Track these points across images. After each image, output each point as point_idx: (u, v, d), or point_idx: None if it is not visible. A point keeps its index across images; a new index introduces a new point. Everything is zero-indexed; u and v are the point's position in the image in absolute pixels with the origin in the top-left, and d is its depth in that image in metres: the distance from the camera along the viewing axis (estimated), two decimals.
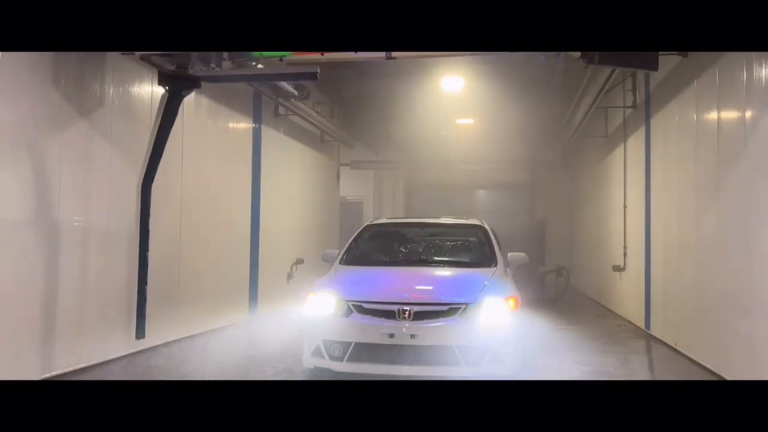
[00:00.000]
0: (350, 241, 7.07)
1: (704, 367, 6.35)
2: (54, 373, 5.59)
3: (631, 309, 9.99)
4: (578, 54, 5.68)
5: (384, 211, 18.15)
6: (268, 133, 10.29)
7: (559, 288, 13.52)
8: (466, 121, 14.60)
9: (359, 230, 7.28)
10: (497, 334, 5.44)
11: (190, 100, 7.81)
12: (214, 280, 8.61)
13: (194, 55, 5.68)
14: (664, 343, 7.82)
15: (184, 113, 7.67)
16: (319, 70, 6.06)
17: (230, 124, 9.23)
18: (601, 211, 12.81)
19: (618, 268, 10.74)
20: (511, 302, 5.64)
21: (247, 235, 9.70)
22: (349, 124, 14.02)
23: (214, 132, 8.72)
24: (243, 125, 9.61)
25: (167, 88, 6.00)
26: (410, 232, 7.10)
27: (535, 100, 12.23)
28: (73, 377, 5.66)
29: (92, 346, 6.10)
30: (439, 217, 7.71)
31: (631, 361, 7.27)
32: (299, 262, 11.44)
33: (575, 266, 15.58)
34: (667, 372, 6.77)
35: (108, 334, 6.32)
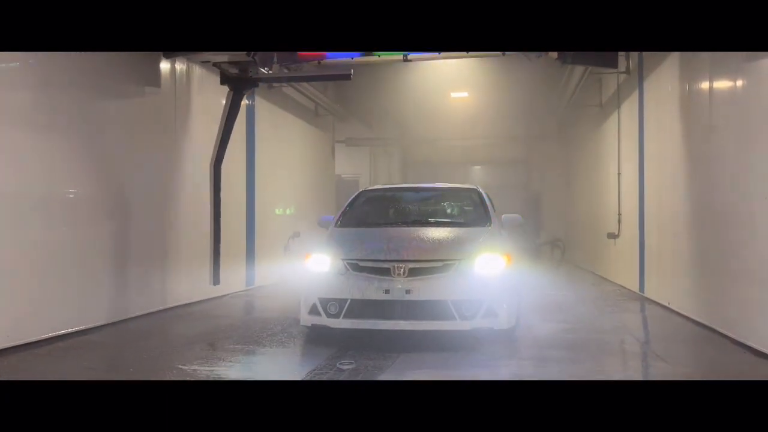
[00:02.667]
0: (345, 205, 7.10)
1: (696, 321, 6.46)
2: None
3: (626, 275, 10.07)
4: (555, 54, 7.01)
5: None
6: (263, 106, 10.28)
7: (555, 260, 13.62)
8: (461, 95, 14.58)
9: (354, 195, 7.32)
10: (491, 289, 5.49)
11: (183, 71, 7.92)
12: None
13: (257, 58, 6.90)
14: (658, 303, 7.91)
15: (177, 86, 7.79)
16: (352, 71, 7.37)
17: (223, 100, 9.19)
18: (595, 180, 12.86)
19: (612, 235, 10.81)
20: (505, 258, 5.69)
21: (243, 207, 9.72)
22: (342, 98, 13.99)
23: (205, 104, 8.69)
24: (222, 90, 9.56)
25: (231, 87, 7.27)
26: (405, 196, 7.13)
27: (528, 70, 12.19)
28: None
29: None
30: (433, 183, 7.74)
31: (626, 319, 7.36)
32: (296, 235, 11.48)
33: (570, 239, 15.66)
34: (660, 325, 6.87)
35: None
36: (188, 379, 4.40)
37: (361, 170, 17.93)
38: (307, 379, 4.45)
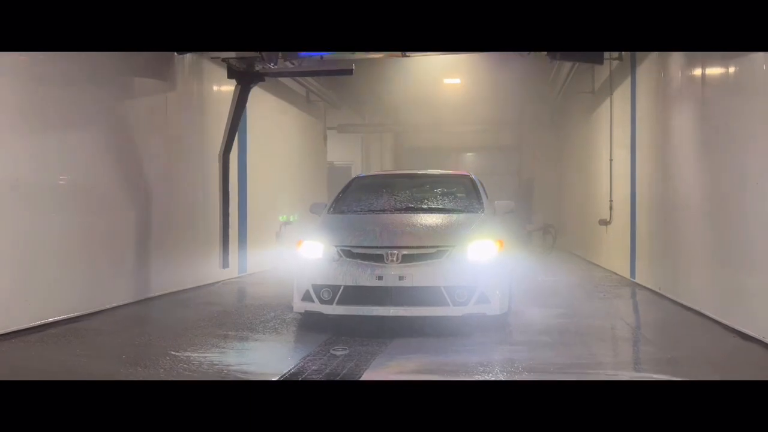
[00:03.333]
0: (338, 192, 7.09)
1: (686, 307, 6.51)
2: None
3: (617, 261, 10.13)
4: (545, 53, 7.45)
5: None
6: (254, 92, 10.06)
7: (546, 246, 13.68)
8: (453, 81, 14.52)
9: (348, 182, 7.31)
10: (484, 275, 5.50)
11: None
12: (203, 238, 8.61)
13: (263, 54, 7.33)
14: (649, 289, 7.97)
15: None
16: (354, 66, 8.00)
17: (214, 85, 9.14)
18: (588, 167, 12.89)
19: (604, 222, 10.86)
20: (498, 244, 5.71)
21: (234, 194, 9.66)
22: (334, 84, 13.91)
23: (197, 90, 8.63)
24: (227, 84, 9.51)
25: (238, 81, 7.83)
26: (398, 182, 7.11)
27: (521, 58, 12.16)
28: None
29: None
30: (426, 170, 7.72)
31: (617, 304, 7.41)
32: (288, 222, 11.46)
33: (562, 225, 15.72)
34: (650, 311, 6.92)
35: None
36: (181, 365, 4.41)
37: (354, 157, 17.88)
38: (301, 367, 4.45)
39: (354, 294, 5.47)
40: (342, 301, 5.48)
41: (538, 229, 14.24)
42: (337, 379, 4.10)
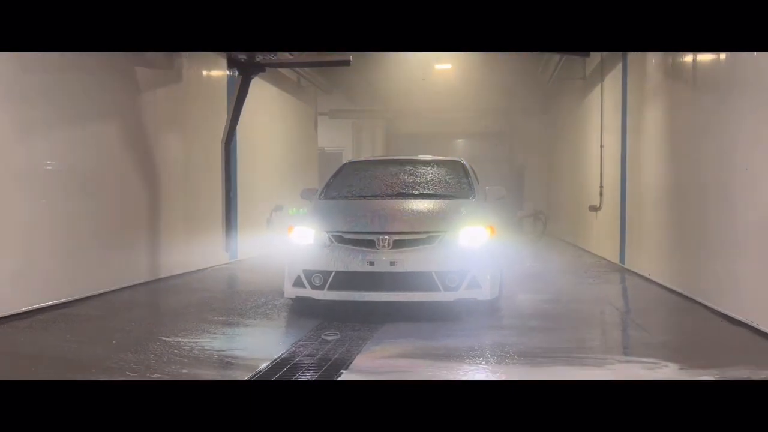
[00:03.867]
0: (329, 178, 7.06)
1: (675, 292, 6.57)
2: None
3: (607, 247, 10.19)
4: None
5: None
6: None
7: (537, 232, 13.73)
8: (445, 67, 14.45)
9: (338, 167, 7.28)
10: (475, 260, 5.51)
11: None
12: (192, 225, 8.57)
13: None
14: (639, 275, 8.03)
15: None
16: (351, 58, 8.27)
17: (203, 71, 9.06)
18: (578, 154, 12.92)
19: (594, 208, 10.90)
20: (489, 230, 5.72)
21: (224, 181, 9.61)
22: (325, 70, 13.80)
23: (186, 75, 8.53)
24: (216, 69, 9.43)
25: (239, 72, 8.18)
26: (389, 168, 7.08)
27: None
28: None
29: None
30: (417, 155, 7.70)
31: (607, 289, 7.46)
32: (278, 208, 11.42)
33: (552, 212, 15.79)
34: (640, 296, 6.98)
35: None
36: (171, 350, 4.40)
37: (345, 143, 17.83)
38: (293, 352, 4.45)
39: (345, 279, 5.46)
40: (333, 287, 5.48)
41: (528, 215, 14.29)
42: (329, 363, 4.10)
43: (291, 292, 5.69)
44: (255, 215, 10.69)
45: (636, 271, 8.26)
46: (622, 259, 9.10)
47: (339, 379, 3.80)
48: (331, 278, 5.48)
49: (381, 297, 5.43)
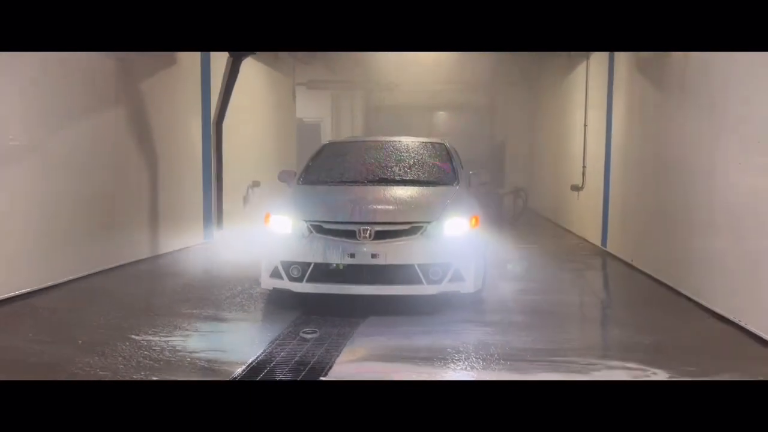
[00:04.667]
0: (308, 160, 6.80)
1: (659, 281, 6.50)
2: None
3: (589, 228, 10.11)
4: None
5: (342, 133, 17.73)
6: None
7: (517, 209, 13.63)
8: None
9: (318, 149, 7.01)
10: (459, 252, 5.35)
11: None
12: (167, 203, 8.27)
13: None
14: (621, 260, 7.95)
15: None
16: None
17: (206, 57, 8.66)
18: (561, 131, 12.75)
19: (576, 188, 10.79)
20: (473, 220, 5.55)
21: (198, 157, 9.28)
22: None
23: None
24: (220, 56, 9.03)
25: (230, 54, 8.27)
26: (371, 150, 6.82)
27: None
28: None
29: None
30: (399, 136, 7.45)
31: (590, 277, 7.38)
32: (255, 184, 11.12)
33: (534, 187, 15.68)
34: (624, 286, 6.91)
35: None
36: (141, 351, 4.19)
37: (324, 113, 17.43)
38: (269, 353, 4.28)
39: (325, 272, 5.27)
40: (312, 279, 5.29)
41: (509, 192, 14.16)
42: (307, 368, 3.93)
43: (268, 283, 5.48)
44: (231, 192, 10.34)
45: (618, 255, 8.19)
46: (604, 242, 9.03)
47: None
48: (309, 270, 5.28)
49: (361, 290, 5.24)
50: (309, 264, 5.27)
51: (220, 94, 8.69)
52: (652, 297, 6.13)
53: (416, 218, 5.38)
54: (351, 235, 5.27)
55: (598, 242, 9.29)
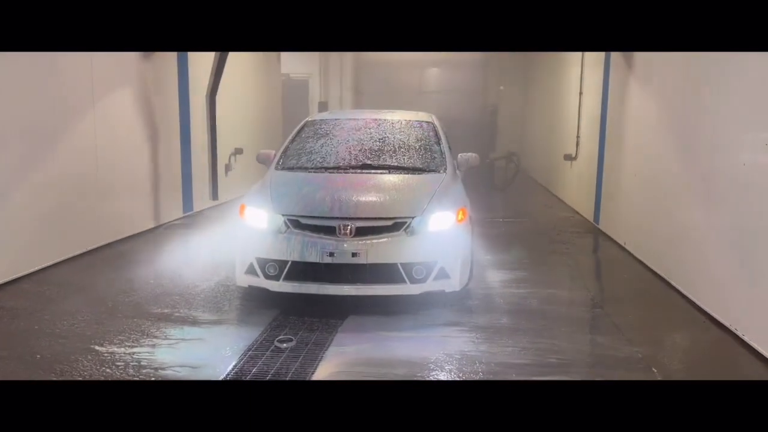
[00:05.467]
0: (287, 141, 6.41)
1: (653, 271, 6.27)
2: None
3: (580, 200, 9.84)
4: None
5: (330, 90, 17.15)
6: None
7: (509, 174, 13.31)
8: None
9: (298, 127, 6.61)
10: (444, 250, 5.07)
11: None
12: (142, 176, 7.89)
13: None
14: (614, 242, 7.70)
15: None
16: None
17: None
18: (555, 96, 12.32)
19: (569, 157, 10.46)
20: (460, 213, 5.25)
21: (176, 122, 8.83)
22: None
23: None
24: None
25: None
26: (354, 131, 6.41)
27: None
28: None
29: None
30: (386, 112, 7.03)
31: (581, 264, 7.11)
32: (238, 152, 10.69)
33: (526, 151, 15.32)
34: (617, 277, 6.68)
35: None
36: (104, 367, 3.93)
37: (311, 70, 16.80)
38: (240, 368, 4.04)
39: (303, 270, 4.99)
40: (289, 278, 5.01)
41: (500, 157, 13.80)
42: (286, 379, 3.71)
43: (243, 280, 5.21)
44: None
45: (611, 235, 7.93)
46: (596, 218, 8.76)
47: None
48: (287, 269, 5.00)
49: (342, 291, 4.98)
50: (286, 262, 4.99)
51: (212, 66, 8.49)
52: (645, 290, 5.90)
53: (400, 213, 5.08)
54: (330, 231, 4.97)
55: (590, 217, 9.03)
